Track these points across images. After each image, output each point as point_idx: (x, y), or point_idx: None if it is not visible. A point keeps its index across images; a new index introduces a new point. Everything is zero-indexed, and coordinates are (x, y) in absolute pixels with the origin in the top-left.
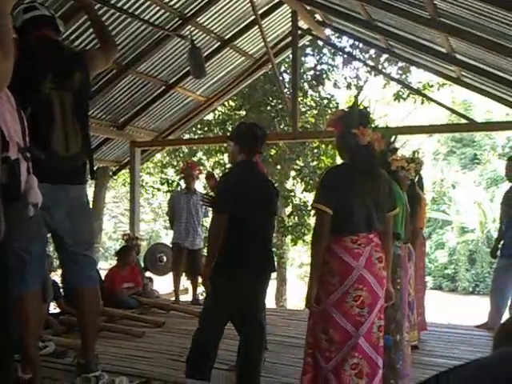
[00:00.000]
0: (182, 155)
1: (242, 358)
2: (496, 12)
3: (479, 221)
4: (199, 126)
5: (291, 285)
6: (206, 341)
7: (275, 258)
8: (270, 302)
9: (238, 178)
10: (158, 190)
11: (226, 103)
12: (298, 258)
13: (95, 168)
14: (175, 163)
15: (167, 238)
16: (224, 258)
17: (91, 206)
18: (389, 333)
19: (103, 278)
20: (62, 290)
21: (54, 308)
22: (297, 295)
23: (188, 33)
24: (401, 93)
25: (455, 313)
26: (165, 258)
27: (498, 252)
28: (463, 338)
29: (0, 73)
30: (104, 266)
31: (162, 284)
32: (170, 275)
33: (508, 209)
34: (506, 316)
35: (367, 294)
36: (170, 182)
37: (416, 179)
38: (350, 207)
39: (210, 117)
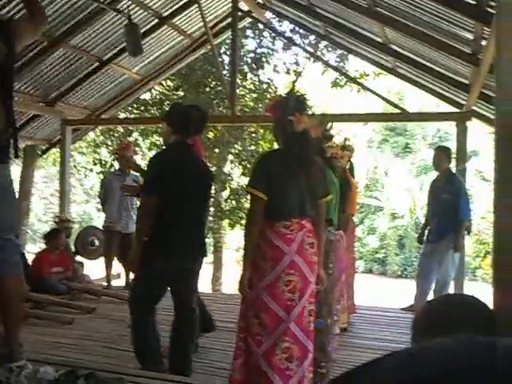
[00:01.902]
0: (116, 135)
1: (173, 341)
2: (429, 5)
3: (409, 207)
4: (135, 106)
5: (227, 269)
6: (143, 327)
7: (211, 242)
8: (205, 286)
9: (168, 160)
10: (91, 170)
11: (163, 83)
12: (235, 241)
13: (22, 146)
14: (109, 143)
15: (100, 220)
16: (152, 242)
17: (18, 186)
18: (320, 317)
19: (30, 262)
20: None
21: None
22: (233, 279)
23: (125, 7)
24: (338, 80)
25: (384, 295)
26: (96, 242)
27: (424, 238)
28: (391, 320)
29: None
30: (33, 250)
31: (94, 268)
32: (102, 260)
33: (433, 197)
34: (429, 298)
35: (298, 279)
36: (104, 162)
37: (348, 166)
38: (283, 193)
39: (146, 96)
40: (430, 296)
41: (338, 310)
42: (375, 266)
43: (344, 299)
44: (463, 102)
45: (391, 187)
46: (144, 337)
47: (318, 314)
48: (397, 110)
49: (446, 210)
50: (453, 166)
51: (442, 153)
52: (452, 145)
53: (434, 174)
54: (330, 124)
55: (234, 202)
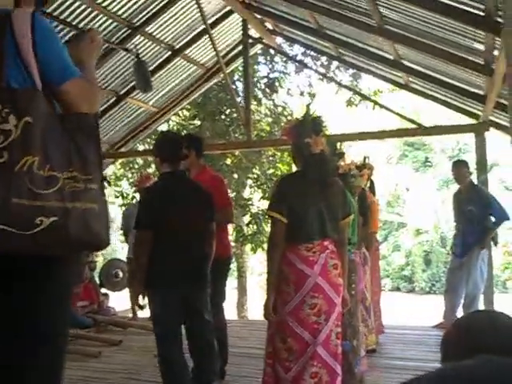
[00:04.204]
0: (136, 167)
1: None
2: (438, 19)
3: (433, 222)
4: (154, 137)
5: (252, 294)
6: (168, 353)
7: (235, 267)
8: (231, 312)
9: (158, 192)
10: (112, 203)
11: (180, 113)
12: (258, 266)
13: None
14: (130, 175)
15: (123, 252)
16: (150, 272)
17: None
18: (346, 338)
19: None
20: None
21: None
22: (258, 304)
23: (132, 46)
24: (352, 99)
25: (413, 313)
26: (120, 274)
27: (451, 252)
28: (420, 338)
29: (96, 104)
30: None
31: (119, 300)
32: (127, 291)
33: (457, 210)
34: (459, 314)
35: (323, 302)
36: (125, 195)
37: (368, 184)
38: (304, 215)
39: (164, 127)
40: (460, 311)
41: (365, 330)
42: (402, 284)
43: (371, 319)
44: (480, 113)
45: (413, 202)
46: (172, 371)
47: (343, 335)
48: (413, 125)
49: (471, 222)
50: (474, 177)
51: (460, 167)
52: (472, 156)
53: (455, 187)
54: (339, 143)
55: (255, 226)
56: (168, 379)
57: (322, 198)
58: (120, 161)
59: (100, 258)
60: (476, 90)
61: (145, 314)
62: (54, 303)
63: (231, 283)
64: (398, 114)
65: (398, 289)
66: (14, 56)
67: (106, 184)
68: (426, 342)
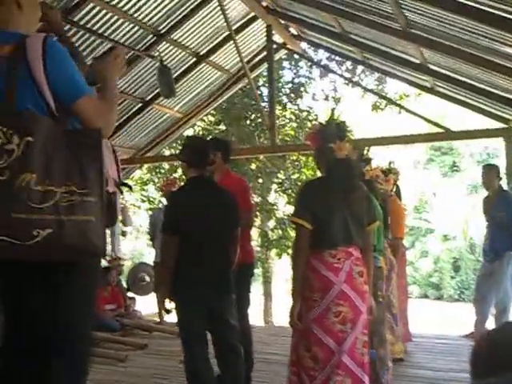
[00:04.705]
0: (162, 171)
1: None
2: (464, 22)
3: (461, 228)
4: (179, 142)
5: (278, 299)
6: (193, 359)
7: (260, 273)
8: (257, 318)
9: (184, 197)
10: (139, 207)
11: (205, 118)
12: (283, 271)
13: None
14: (156, 180)
15: (150, 256)
16: (175, 277)
17: None
18: (372, 347)
19: None
20: None
21: None
22: (284, 310)
23: (157, 53)
24: (378, 103)
25: (441, 321)
26: (147, 278)
27: (481, 258)
28: (448, 348)
29: (112, 121)
30: None
31: (146, 303)
32: (153, 295)
33: (486, 216)
34: (489, 323)
35: (349, 310)
36: (151, 199)
37: (394, 189)
38: (328, 221)
39: (190, 132)
40: (490, 321)
41: (392, 338)
42: (430, 291)
43: (398, 327)
44: (509, 117)
45: (441, 208)
46: (197, 378)
47: (369, 344)
48: (440, 130)
49: (500, 228)
50: (503, 182)
51: (490, 171)
52: (501, 161)
53: (484, 193)
54: (366, 148)
55: (280, 231)
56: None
57: (347, 203)
58: (146, 166)
59: (128, 263)
60: (505, 94)
61: (172, 318)
62: (74, 306)
63: (257, 289)
64: (424, 118)
65: (425, 296)
66: (28, 79)
67: (128, 190)
68: (454, 351)
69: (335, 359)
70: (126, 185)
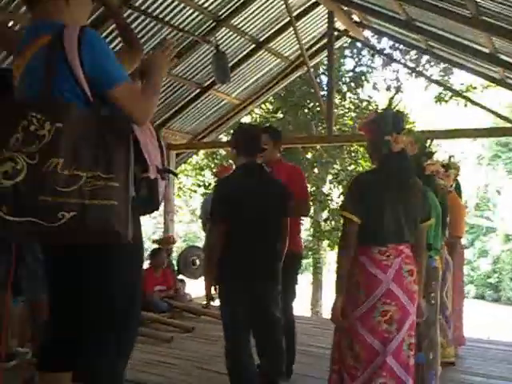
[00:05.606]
0: (219, 158)
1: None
2: None
3: None
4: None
5: (328, 290)
6: (234, 350)
7: (311, 263)
8: (304, 308)
9: (232, 184)
10: (195, 191)
11: (263, 106)
12: (334, 263)
13: None
14: (212, 166)
15: (203, 240)
16: (221, 265)
17: None
18: (421, 350)
19: None
20: None
21: None
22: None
23: (216, 39)
24: (442, 95)
25: (498, 325)
26: (198, 262)
27: None
28: (503, 354)
29: (148, 109)
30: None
31: (196, 286)
32: (203, 279)
33: None
34: None
35: (396, 309)
36: (207, 184)
37: (454, 185)
38: (379, 216)
39: (247, 119)
40: None
41: (444, 342)
42: (487, 292)
43: (451, 330)
44: None
45: (505, 206)
46: (236, 368)
47: (418, 347)
48: (509, 124)
49: None
50: None
51: None
52: None
53: None
54: (429, 141)
55: (333, 222)
56: (232, 375)
57: (400, 199)
58: (203, 151)
59: (182, 244)
60: None
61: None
62: (114, 283)
63: (307, 278)
64: (492, 111)
65: (482, 297)
66: (65, 67)
67: (171, 176)
68: (509, 359)
69: (379, 360)
70: (170, 171)
